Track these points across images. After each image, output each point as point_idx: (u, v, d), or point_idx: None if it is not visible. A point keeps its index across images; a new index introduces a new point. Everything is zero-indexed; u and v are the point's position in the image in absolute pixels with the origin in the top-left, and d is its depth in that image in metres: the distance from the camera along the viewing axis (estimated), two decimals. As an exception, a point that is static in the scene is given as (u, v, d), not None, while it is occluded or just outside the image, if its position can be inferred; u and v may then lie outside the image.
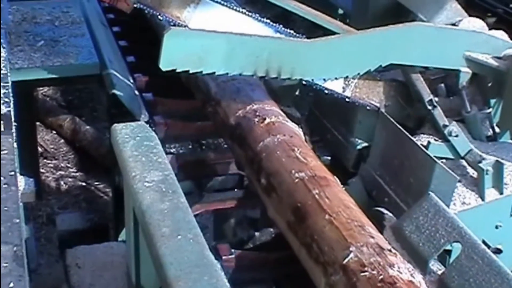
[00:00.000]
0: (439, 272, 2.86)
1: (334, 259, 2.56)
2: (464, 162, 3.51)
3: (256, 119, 3.35)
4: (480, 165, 3.37)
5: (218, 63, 3.16)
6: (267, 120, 3.33)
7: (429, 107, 3.65)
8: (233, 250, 3.11)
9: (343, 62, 3.39)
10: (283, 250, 3.06)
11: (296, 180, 3.00)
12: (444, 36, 3.57)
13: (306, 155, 3.20)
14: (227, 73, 3.22)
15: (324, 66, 3.36)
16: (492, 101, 3.75)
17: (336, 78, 3.47)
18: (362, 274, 2.43)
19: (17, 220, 2.30)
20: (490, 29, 3.92)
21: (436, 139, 3.61)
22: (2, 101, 2.90)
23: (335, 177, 3.17)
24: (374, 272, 2.42)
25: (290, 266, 3.05)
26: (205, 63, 3.14)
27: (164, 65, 3.06)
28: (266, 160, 3.23)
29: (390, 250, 2.58)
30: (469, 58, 3.61)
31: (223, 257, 3.06)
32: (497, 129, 3.79)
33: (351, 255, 2.51)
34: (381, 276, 2.40)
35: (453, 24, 3.94)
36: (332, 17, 3.65)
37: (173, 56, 3.07)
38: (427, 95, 3.66)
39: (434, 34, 3.55)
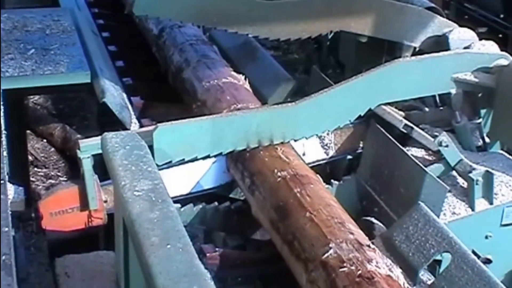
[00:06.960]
0: (429, 282, 2.86)
1: (314, 255, 2.62)
2: (454, 172, 3.51)
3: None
4: (470, 175, 3.38)
5: (209, 146, 3.22)
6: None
7: (406, 131, 3.68)
8: (217, 249, 3.17)
9: (332, 115, 3.41)
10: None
11: (279, 179, 3.06)
12: (427, 65, 3.55)
13: (288, 153, 3.25)
14: (221, 153, 3.26)
15: (314, 123, 3.38)
16: (482, 112, 3.76)
17: (328, 130, 3.51)
18: (341, 269, 2.49)
19: (6, 229, 2.30)
20: (480, 39, 3.93)
21: (426, 149, 3.63)
22: (-9, 110, 2.90)
23: (317, 175, 3.19)
24: (353, 267, 2.48)
25: (274, 264, 3.09)
26: (197, 149, 3.20)
27: (159, 159, 3.09)
28: (250, 160, 3.27)
29: (369, 246, 2.63)
30: (458, 80, 3.61)
31: (207, 255, 3.11)
32: (487, 139, 3.81)
33: (331, 251, 2.57)
34: (359, 271, 2.45)
35: (443, 35, 3.96)
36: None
37: (166, 150, 3.11)
38: (399, 123, 3.69)
39: (417, 66, 3.54)
